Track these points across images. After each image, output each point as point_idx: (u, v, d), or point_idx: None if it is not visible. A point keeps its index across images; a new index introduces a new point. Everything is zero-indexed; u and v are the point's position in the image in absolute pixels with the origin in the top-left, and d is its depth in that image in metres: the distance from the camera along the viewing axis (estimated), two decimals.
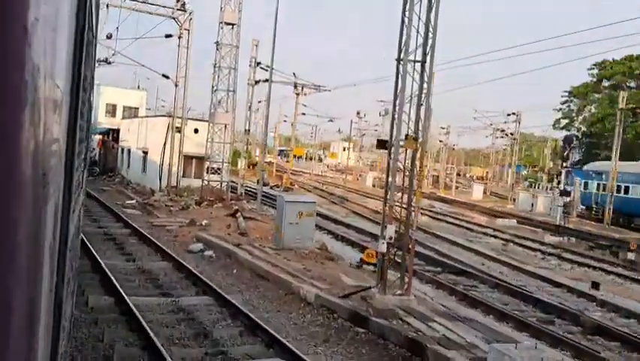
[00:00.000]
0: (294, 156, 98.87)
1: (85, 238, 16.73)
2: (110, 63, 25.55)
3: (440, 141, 70.59)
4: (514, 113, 47.91)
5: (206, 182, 26.92)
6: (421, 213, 39.79)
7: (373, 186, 66.86)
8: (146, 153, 33.76)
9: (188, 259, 16.35)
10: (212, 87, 26.51)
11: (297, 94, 51.34)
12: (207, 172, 26.84)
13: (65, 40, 1.44)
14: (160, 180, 30.86)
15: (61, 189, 1.64)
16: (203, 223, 21.80)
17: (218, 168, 27.00)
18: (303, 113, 52.69)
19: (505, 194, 69.12)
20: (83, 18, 1.86)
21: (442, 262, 20.62)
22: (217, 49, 26.15)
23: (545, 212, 44.82)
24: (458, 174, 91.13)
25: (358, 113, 70.27)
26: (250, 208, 25.65)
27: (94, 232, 19.33)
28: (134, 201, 28.39)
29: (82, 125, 2.48)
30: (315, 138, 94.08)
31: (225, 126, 27.01)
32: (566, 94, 75.74)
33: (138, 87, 62.85)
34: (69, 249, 2.13)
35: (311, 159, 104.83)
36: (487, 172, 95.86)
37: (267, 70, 30.90)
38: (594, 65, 68.76)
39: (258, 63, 30.04)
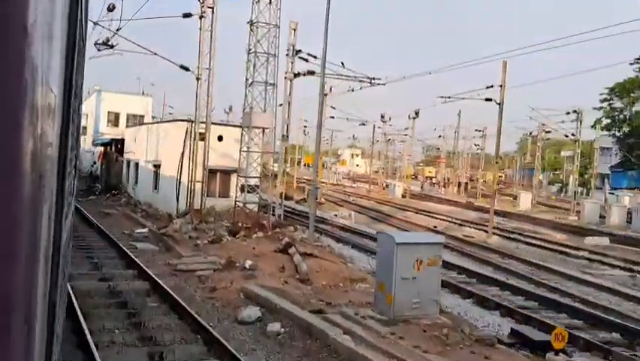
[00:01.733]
0: (305, 164, 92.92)
1: (78, 308, 10.50)
2: (112, 47, 19.40)
3: (475, 145, 64.43)
4: (575, 112, 41.60)
5: (240, 203, 20.67)
6: (488, 231, 33.59)
7: (403, 196, 60.70)
8: (157, 166, 27.56)
9: (242, 339, 10.14)
10: (246, 80, 20.34)
11: (325, 94, 45.17)
12: (242, 191, 20.55)
13: (58, 46, 1.44)
14: (177, 200, 24.64)
15: (54, 195, 1.62)
16: (247, 265, 15.53)
17: (256, 185, 20.74)
18: (332, 117, 46.46)
19: (549, 202, 62.84)
20: (75, 25, 1.84)
21: (587, 313, 14.38)
22: (251, 30, 19.99)
23: (621, 224, 38.55)
24: (471, 180, 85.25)
25: (382, 116, 64.02)
26: (301, 238, 19.37)
27: (94, 288, 13.09)
28: (145, 230, 22.15)
29: (73, 131, 2.43)
30: (331, 144, 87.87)
31: (263, 131, 20.81)
32: (607, 91, 69.39)
33: (142, 93, 56.77)
34: (62, 255, 2.06)
35: (323, 166, 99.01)
36: (500, 177, 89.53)
37: (306, 60, 24.80)
38: (638, 59, 62.42)
39: (298, 51, 23.87)
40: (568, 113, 42.57)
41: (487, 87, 27.73)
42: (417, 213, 42.72)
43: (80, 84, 3.68)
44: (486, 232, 32.40)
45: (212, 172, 25.11)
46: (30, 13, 0.90)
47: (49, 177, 1.38)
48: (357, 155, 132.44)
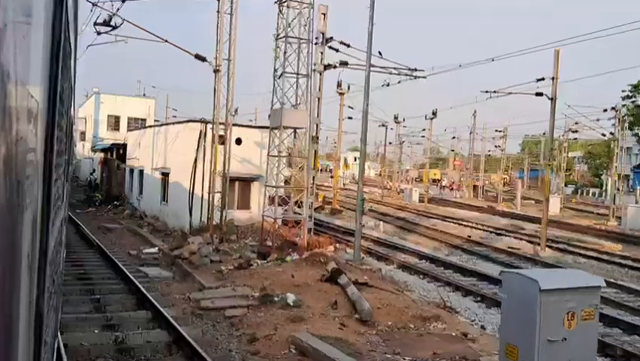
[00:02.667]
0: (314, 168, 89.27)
1: None
2: (114, 27, 15.99)
3: (497, 147, 61.11)
4: (613, 108, 38.31)
5: (268, 218, 17.31)
6: (532, 242, 30.23)
7: (420, 201, 57.40)
8: (166, 175, 24.24)
9: None
10: (275, 71, 17.02)
11: (342, 93, 41.94)
12: (272, 203, 17.14)
13: (40, 51, 1.44)
14: (190, 214, 21.29)
15: (39, 200, 1.63)
16: (290, 301, 12.19)
17: (287, 197, 17.37)
18: (350, 117, 43.19)
19: (577, 207, 59.43)
20: (59, 27, 1.82)
21: None
22: (279, 11, 16.68)
23: None
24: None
25: (396, 117, 60.69)
26: (347, 262, 16.01)
27: (96, 342, 9.72)
28: (155, 251, 18.81)
29: (60, 136, 2.46)
30: (339, 147, 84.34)
31: (295, 132, 17.46)
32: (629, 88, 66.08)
33: (144, 95, 53.46)
34: (49, 262, 2.06)
35: (326, 170, 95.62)
36: (504, 178, 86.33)
37: (336, 50, 21.51)
38: None
39: (329, 39, 20.58)
40: (605, 110, 39.27)
41: (538, 80, 24.41)
42: (443, 220, 39.43)
43: (69, 88, 3.49)
44: (530, 242, 29.20)
45: (230, 181, 21.81)
46: (1, 7, 0.88)
47: (32, 183, 1.35)
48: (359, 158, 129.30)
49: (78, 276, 14.61)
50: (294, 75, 17.03)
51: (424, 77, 21.61)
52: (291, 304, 12.12)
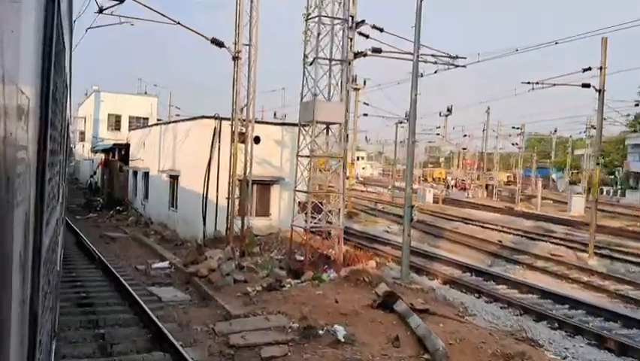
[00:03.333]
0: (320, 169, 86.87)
1: None
2: (121, 0, 13.64)
3: (514, 144, 58.66)
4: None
5: (298, 227, 14.91)
6: (572, 248, 27.88)
7: (435, 202, 55.11)
8: (175, 177, 21.85)
9: None
10: (305, 57, 14.64)
11: (357, 89, 39.62)
12: (303, 210, 14.70)
13: (31, 47, 1.43)
14: (204, 222, 18.91)
15: (32, 199, 1.61)
16: (340, 336, 9.83)
17: (320, 202, 14.95)
18: (365, 114, 40.88)
19: (601, 207, 56.97)
20: (51, 23, 1.81)
21: None
22: None
23: None
24: (477, 179, 79.99)
25: (406, 115, 58.19)
26: (394, 280, 13.63)
27: None
28: (166, 265, 16.44)
29: (54, 135, 2.44)
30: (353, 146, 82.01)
31: (328, 128, 15.06)
32: None
33: (145, 93, 50.99)
34: (44, 261, 2.05)
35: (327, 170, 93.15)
36: (509, 176, 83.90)
37: (366, 37, 19.13)
38: None
39: (359, 23, 18.21)
40: (637, 104, 36.86)
41: (585, 70, 22.02)
42: (464, 222, 37.10)
43: (62, 86, 3.38)
44: (570, 247, 26.94)
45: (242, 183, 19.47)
46: None
47: (23, 181, 1.34)
48: (362, 157, 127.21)
49: (78, 301, 12.22)
50: (327, 62, 14.63)
51: (463, 66, 19.22)
52: (342, 339, 9.76)
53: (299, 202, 15.72)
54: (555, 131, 73.40)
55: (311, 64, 14.49)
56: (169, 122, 23.16)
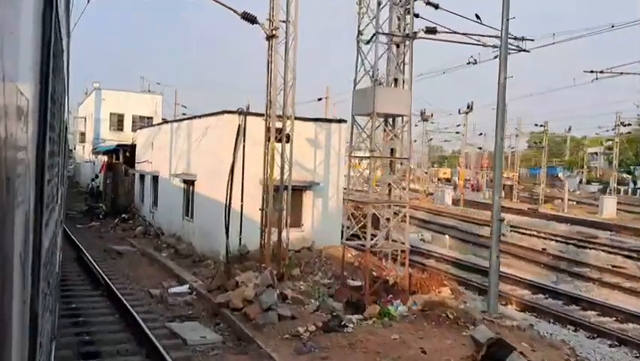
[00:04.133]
0: None
1: None
2: None
3: (536, 143, 55.82)
4: None
5: (353, 246, 12.01)
6: (630, 257, 25.03)
7: (454, 204, 52.31)
8: (190, 183, 18.99)
9: None
10: (359, 33, 11.79)
11: (396, 79, 36.58)
12: (374, 226, 11.69)
13: (30, 49, 1.45)
14: (227, 234, 16.06)
15: (32, 200, 1.63)
16: None
17: (381, 215, 12.04)
18: None
19: (634, 209, 54.11)
20: (49, 26, 1.83)
21: None
22: None
23: None
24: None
25: (423, 113, 55.39)
26: (482, 315, 10.74)
27: None
28: (186, 290, 13.60)
29: (52, 137, 2.47)
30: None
31: (387, 121, 12.20)
32: None
33: (148, 91, 48.03)
34: (43, 263, 2.08)
35: None
36: (512, 175, 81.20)
37: (417, 16, 16.19)
38: None
39: None
40: None
41: None
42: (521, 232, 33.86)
43: (61, 89, 3.48)
44: (626, 256, 24.19)
45: (275, 190, 16.63)
46: None
47: (23, 182, 1.34)
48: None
49: (80, 349, 9.35)
50: (386, 39, 11.76)
51: (527, 51, 16.32)
52: None
53: (351, 214, 12.82)
54: (569, 129, 70.67)
55: (368, 42, 11.64)
56: (182, 119, 20.30)
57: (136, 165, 26.52)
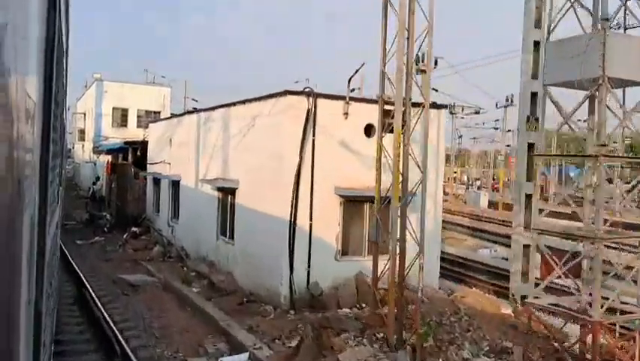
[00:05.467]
0: None
1: None
2: None
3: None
4: None
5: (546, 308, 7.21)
6: None
7: (489, 206, 47.66)
8: (230, 192, 14.13)
9: None
10: None
11: (423, 71, 31.56)
12: (549, 270, 6.97)
13: (35, 50, 1.45)
14: (291, 266, 11.27)
15: (37, 201, 1.63)
16: None
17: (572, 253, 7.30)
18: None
19: None
20: (53, 29, 1.85)
21: None
22: None
23: None
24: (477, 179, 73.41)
25: (452, 105, 50.52)
26: None
27: None
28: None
29: (55, 138, 2.51)
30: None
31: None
32: None
33: (153, 82, 42.98)
34: (47, 263, 2.08)
35: None
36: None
37: None
38: None
39: None
40: None
41: None
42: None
43: (62, 90, 3.41)
44: None
45: (347, 201, 11.87)
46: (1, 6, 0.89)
47: (30, 184, 1.35)
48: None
49: None
50: None
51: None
52: None
53: (547, 254, 8.02)
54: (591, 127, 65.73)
55: None
56: (215, 107, 15.45)
57: (148, 166, 21.70)
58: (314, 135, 11.55)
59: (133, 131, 38.46)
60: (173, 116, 16.39)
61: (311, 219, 11.54)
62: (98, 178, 30.73)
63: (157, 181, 20.54)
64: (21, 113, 1.10)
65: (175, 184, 18.37)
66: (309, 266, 11.49)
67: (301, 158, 11.47)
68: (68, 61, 5.61)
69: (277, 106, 11.85)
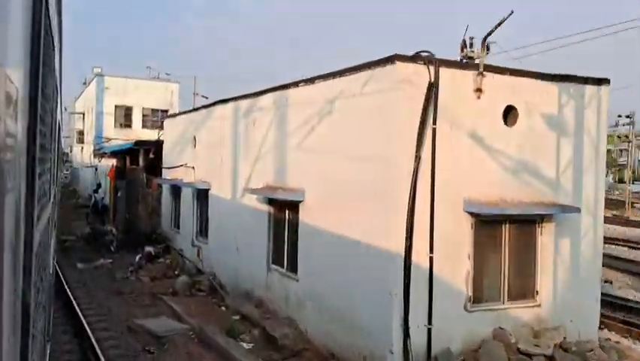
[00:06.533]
0: None
1: None
2: None
3: None
4: None
5: None
6: None
7: None
8: (288, 207, 10.20)
9: None
10: None
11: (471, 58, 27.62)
12: None
13: (18, 35, 1.42)
14: (406, 325, 7.36)
15: (22, 191, 1.60)
16: None
17: None
18: None
19: None
20: (39, 15, 1.81)
21: None
22: None
23: None
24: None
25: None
26: None
27: None
28: None
29: (43, 130, 2.43)
30: None
31: None
32: None
33: (158, 77, 39.03)
34: (35, 253, 2.05)
35: None
36: None
37: None
38: None
39: None
40: None
41: None
42: None
43: (52, 84, 3.37)
44: None
45: (478, 220, 7.97)
46: None
47: (13, 173, 1.33)
48: None
49: None
50: None
51: None
52: None
53: None
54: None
55: None
56: (263, 92, 11.43)
57: (163, 171, 17.81)
58: (434, 123, 7.67)
59: (138, 132, 34.61)
60: (222, 100, 12.61)
61: (431, 250, 7.65)
62: (99, 185, 26.81)
63: (176, 190, 16.65)
64: (2, 99, 1.09)
65: (202, 194, 14.49)
66: (429, 322, 7.60)
67: (419, 159, 7.58)
68: (62, 57, 5.39)
69: (377, 81, 7.94)
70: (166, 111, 37.18)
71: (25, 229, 1.67)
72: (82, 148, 42.59)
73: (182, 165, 15.91)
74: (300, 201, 9.72)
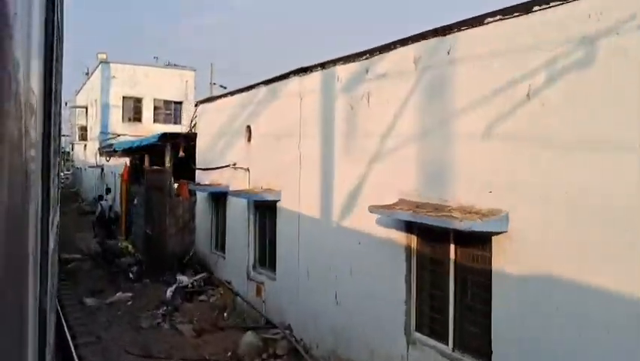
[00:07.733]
0: None
1: None
2: None
3: None
4: None
5: None
6: None
7: None
8: (467, 241, 5.84)
9: None
10: None
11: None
12: None
13: (36, 46, 1.36)
14: None
15: (40, 198, 1.53)
16: None
17: None
18: None
19: None
20: (52, 26, 1.78)
21: None
22: None
23: None
24: None
25: None
26: None
27: None
28: None
29: (55, 135, 2.26)
30: None
31: None
32: None
33: (170, 64, 34.42)
34: (50, 262, 1.92)
35: None
36: None
37: None
38: None
39: None
40: None
41: None
42: None
43: (59, 90, 3.23)
44: None
45: None
46: (10, 4, 0.85)
47: (35, 178, 1.25)
48: None
49: None
50: None
51: None
52: None
53: None
54: None
55: None
56: (387, 47, 7.17)
57: (197, 174, 13.47)
58: None
59: (148, 127, 30.28)
60: (300, 70, 8.31)
61: None
62: (108, 190, 22.43)
63: (219, 199, 12.31)
64: (27, 106, 1.02)
65: (264, 206, 10.13)
66: None
67: None
68: (63, 49, 5.45)
69: None
70: (180, 103, 32.87)
71: (42, 239, 1.57)
72: (85, 146, 38.24)
73: (228, 166, 11.57)
74: (497, 233, 5.38)
